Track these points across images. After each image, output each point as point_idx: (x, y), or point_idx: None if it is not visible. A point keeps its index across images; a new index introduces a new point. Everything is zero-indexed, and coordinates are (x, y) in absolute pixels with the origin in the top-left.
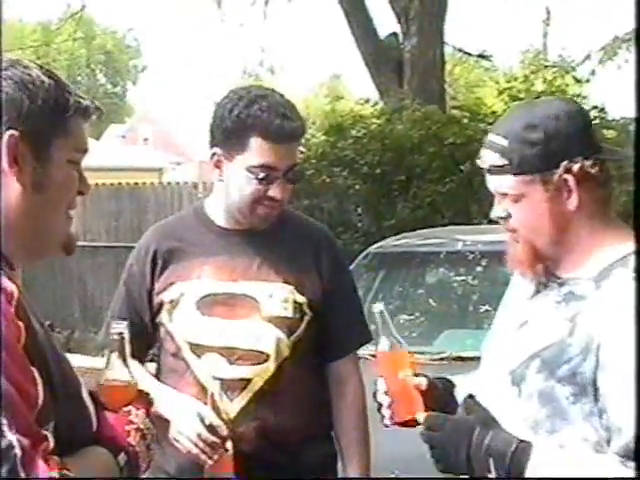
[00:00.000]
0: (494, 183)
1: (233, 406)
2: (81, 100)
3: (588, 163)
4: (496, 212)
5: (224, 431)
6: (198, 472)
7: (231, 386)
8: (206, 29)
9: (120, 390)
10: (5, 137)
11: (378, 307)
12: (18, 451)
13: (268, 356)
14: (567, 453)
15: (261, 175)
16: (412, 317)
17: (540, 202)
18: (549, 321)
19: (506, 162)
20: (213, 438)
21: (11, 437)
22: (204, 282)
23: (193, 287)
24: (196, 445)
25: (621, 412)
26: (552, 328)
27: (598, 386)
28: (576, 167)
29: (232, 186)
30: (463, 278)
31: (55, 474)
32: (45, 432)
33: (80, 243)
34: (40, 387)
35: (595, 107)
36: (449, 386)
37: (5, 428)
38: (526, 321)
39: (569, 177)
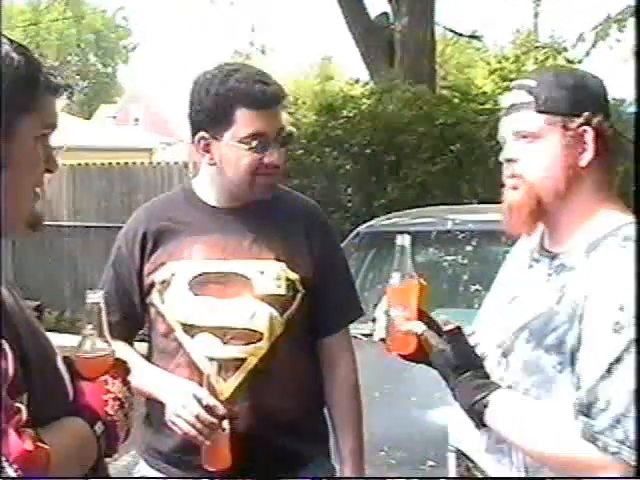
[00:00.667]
0: (512, 122)
1: (227, 386)
2: (51, 78)
3: (606, 124)
4: (506, 153)
5: (221, 411)
6: (193, 451)
7: (225, 366)
8: (196, 8)
9: (96, 360)
10: None
11: (402, 240)
12: None
13: (262, 334)
14: (521, 400)
15: (253, 144)
16: None
17: (555, 147)
18: (539, 293)
19: (532, 99)
20: (211, 419)
21: None
22: (195, 261)
23: (184, 267)
24: (194, 426)
25: (585, 367)
26: (541, 299)
27: (575, 349)
28: (595, 120)
29: (227, 164)
30: (453, 258)
31: (28, 446)
32: (18, 404)
33: (70, 223)
34: (10, 359)
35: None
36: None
37: None
38: (517, 295)
39: (588, 129)
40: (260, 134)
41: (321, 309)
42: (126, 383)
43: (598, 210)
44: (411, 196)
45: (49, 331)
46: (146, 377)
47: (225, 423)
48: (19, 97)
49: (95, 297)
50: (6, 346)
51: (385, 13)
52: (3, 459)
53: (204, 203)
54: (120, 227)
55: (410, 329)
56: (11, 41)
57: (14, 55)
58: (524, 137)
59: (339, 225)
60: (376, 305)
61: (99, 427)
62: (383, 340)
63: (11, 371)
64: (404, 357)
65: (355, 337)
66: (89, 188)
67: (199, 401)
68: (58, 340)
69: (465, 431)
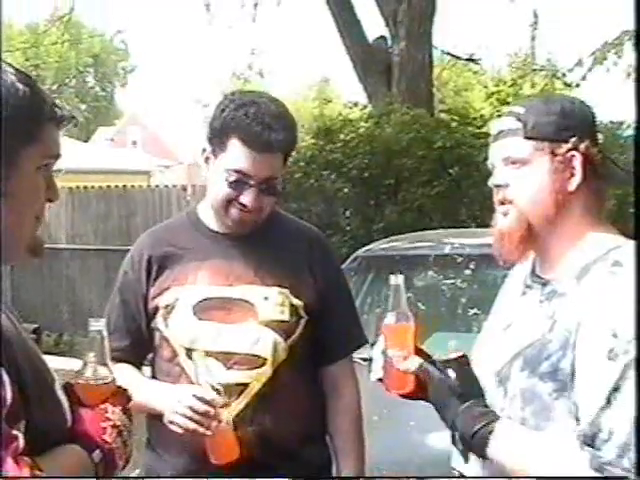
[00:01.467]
0: (501, 148)
1: (230, 411)
2: (56, 109)
3: (594, 149)
4: (495, 179)
5: (216, 400)
6: (194, 475)
7: (228, 391)
8: (195, 32)
9: (98, 388)
10: None
11: (395, 279)
12: None
13: (265, 360)
14: (525, 432)
15: (232, 178)
16: None
17: (544, 172)
18: (532, 320)
19: (520, 125)
20: (206, 407)
21: None
22: (200, 287)
23: (188, 292)
24: (191, 419)
25: (583, 397)
26: (534, 326)
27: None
28: (583, 146)
29: (211, 185)
30: (452, 281)
31: (26, 473)
32: (15, 432)
33: (69, 246)
34: (8, 387)
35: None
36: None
37: None
38: (511, 323)
39: (576, 154)
40: (243, 173)
41: (325, 336)
42: (126, 411)
43: (587, 234)
44: (409, 219)
45: (47, 354)
46: (147, 392)
47: (224, 415)
48: (22, 127)
49: (98, 325)
50: (4, 374)
51: (383, 36)
52: None
53: (208, 228)
54: (118, 250)
55: (408, 367)
56: (17, 70)
57: (19, 85)
58: (513, 163)
59: (337, 249)
60: (374, 341)
61: (97, 455)
62: (380, 380)
63: (9, 399)
64: (403, 395)
65: (355, 362)
66: (87, 211)
67: (194, 395)
68: (56, 363)
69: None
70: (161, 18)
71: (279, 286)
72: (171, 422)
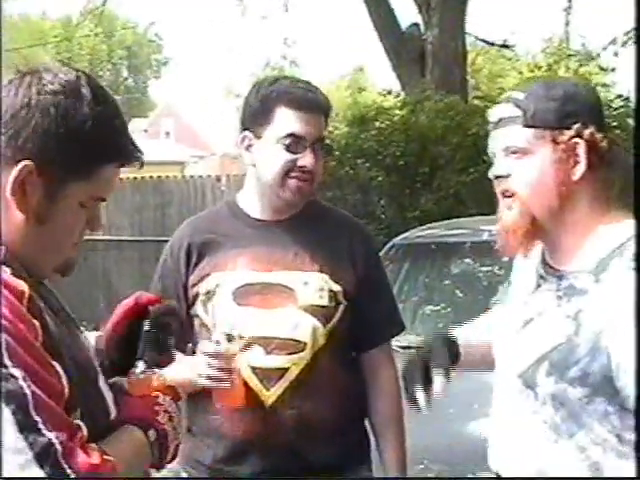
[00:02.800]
0: (500, 137)
1: (269, 395)
2: (123, 146)
3: (599, 135)
4: (495, 170)
5: (230, 349)
6: (235, 462)
7: (267, 375)
8: (228, 22)
9: (147, 381)
10: (19, 166)
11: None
12: (58, 447)
13: (304, 345)
14: None
15: (288, 142)
16: (438, 308)
17: (546, 162)
18: (552, 318)
19: (519, 113)
20: (219, 361)
21: (49, 435)
22: (239, 272)
23: (228, 278)
24: (212, 365)
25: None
26: (556, 326)
27: (619, 387)
28: (587, 132)
29: (263, 163)
30: (489, 268)
31: (96, 460)
32: (77, 422)
33: (104, 237)
34: (64, 379)
35: (620, 96)
36: None
37: (42, 426)
38: (529, 319)
39: (580, 141)
40: (296, 135)
41: (363, 323)
42: (176, 402)
43: (597, 226)
44: (445, 207)
45: None
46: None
47: (237, 361)
48: (77, 162)
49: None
50: (58, 367)
51: (416, 24)
52: (73, 476)
53: (248, 216)
54: (153, 241)
55: None
56: (91, 87)
57: (87, 112)
58: (514, 153)
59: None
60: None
61: (152, 434)
62: None
63: (66, 389)
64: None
65: (393, 349)
66: (122, 202)
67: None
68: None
69: (505, 454)
70: (194, 9)
71: (319, 271)
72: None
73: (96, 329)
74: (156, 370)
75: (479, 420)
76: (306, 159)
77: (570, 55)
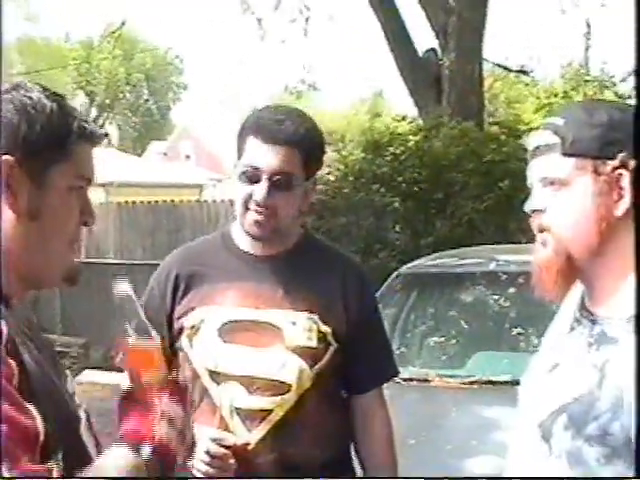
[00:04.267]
0: (537, 167)
1: (252, 436)
2: (85, 125)
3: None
4: (531, 203)
5: (229, 440)
6: None
7: (250, 416)
8: (247, 47)
9: (143, 353)
10: None
11: (121, 287)
12: None
13: (289, 386)
14: None
15: (245, 173)
16: (443, 339)
17: (586, 195)
18: (579, 367)
19: (557, 141)
20: (222, 450)
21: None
22: (226, 308)
23: (215, 313)
24: (210, 464)
25: None
26: (581, 376)
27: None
28: (633, 163)
29: (234, 195)
30: (496, 299)
31: None
32: (49, 464)
33: (117, 261)
34: (39, 421)
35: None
36: None
37: (5, 471)
38: (556, 364)
39: (624, 172)
40: (254, 167)
41: (356, 367)
42: (181, 400)
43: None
44: (459, 234)
45: (95, 368)
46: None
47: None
48: (50, 145)
49: (122, 286)
50: (32, 408)
51: (433, 49)
52: None
53: (239, 249)
54: None
55: None
56: (44, 88)
57: (46, 102)
58: (551, 184)
59: (386, 263)
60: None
61: (145, 451)
62: None
63: (41, 432)
64: None
65: (394, 381)
66: (135, 226)
67: (210, 439)
68: (104, 378)
69: None
70: (214, 33)
71: (308, 311)
72: (191, 466)
73: (108, 351)
74: (153, 333)
75: (476, 457)
76: (258, 193)
77: (588, 81)
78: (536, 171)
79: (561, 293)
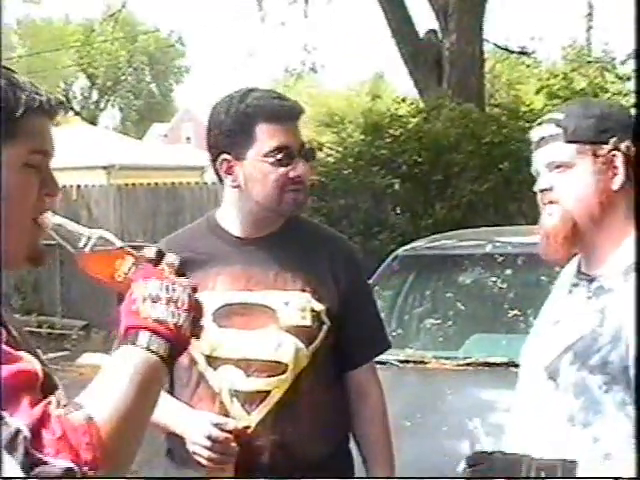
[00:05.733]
0: (543, 154)
1: (251, 419)
2: (35, 96)
3: (634, 148)
4: (540, 184)
5: (229, 425)
6: None
7: (248, 399)
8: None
9: (101, 257)
10: None
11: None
12: (27, 433)
13: (286, 366)
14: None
15: (278, 157)
16: (440, 321)
17: (587, 174)
18: (580, 315)
19: (560, 131)
20: (223, 434)
21: (15, 423)
22: (219, 293)
23: (207, 298)
24: (211, 449)
25: None
26: (583, 321)
27: (630, 377)
28: (624, 145)
29: (253, 183)
30: (494, 281)
31: (59, 432)
32: (51, 399)
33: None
34: (36, 363)
35: (637, 104)
36: None
37: (5, 416)
38: (559, 319)
39: (617, 154)
40: (284, 147)
41: (348, 342)
42: (180, 273)
43: (631, 232)
44: (458, 216)
45: (96, 351)
46: (165, 411)
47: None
48: None
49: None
50: (26, 355)
51: (433, 30)
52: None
53: (227, 233)
54: None
55: None
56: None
57: None
58: (557, 167)
59: (385, 245)
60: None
61: (143, 338)
62: None
63: (39, 372)
64: None
65: (390, 363)
66: (136, 208)
67: (211, 423)
68: (105, 360)
69: (522, 444)
70: (215, 15)
71: (300, 290)
72: (194, 453)
73: (109, 333)
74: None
75: (473, 439)
76: (298, 169)
77: (590, 62)
78: (542, 158)
79: (565, 257)
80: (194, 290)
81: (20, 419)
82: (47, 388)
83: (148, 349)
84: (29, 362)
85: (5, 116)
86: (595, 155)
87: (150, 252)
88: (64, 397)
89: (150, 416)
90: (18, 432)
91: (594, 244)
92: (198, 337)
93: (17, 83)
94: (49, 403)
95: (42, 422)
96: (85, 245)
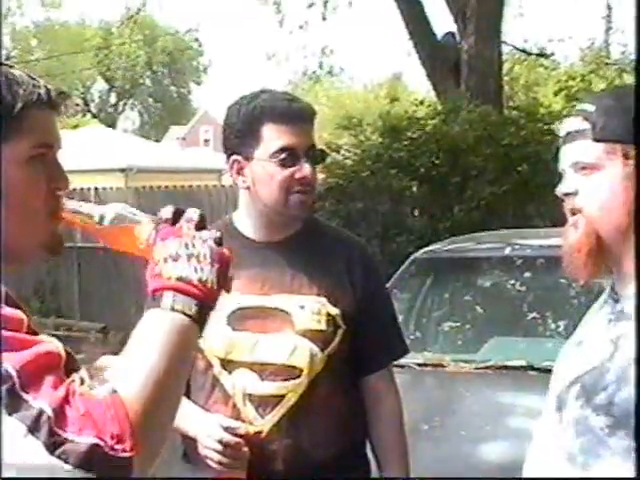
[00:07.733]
0: (569, 152)
1: (265, 422)
2: (34, 90)
3: None
4: (563, 187)
5: (241, 429)
6: None
7: (263, 402)
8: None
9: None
10: None
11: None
12: (50, 414)
13: (301, 370)
14: None
15: (281, 157)
16: (458, 324)
17: (616, 178)
18: (598, 341)
19: (588, 127)
20: (234, 439)
21: (38, 404)
22: (234, 296)
23: (223, 301)
24: (223, 454)
25: None
26: (598, 349)
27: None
28: None
29: (259, 184)
30: (512, 284)
31: (82, 409)
32: (74, 376)
33: None
34: (56, 342)
35: (638, 105)
36: None
37: (29, 399)
38: (580, 341)
39: None
40: (289, 148)
41: (364, 347)
42: (199, 228)
43: None
44: (476, 218)
45: (114, 353)
46: (180, 414)
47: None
48: None
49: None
50: (47, 337)
51: (452, 33)
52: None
53: (244, 236)
54: None
55: None
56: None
57: None
58: (582, 168)
59: (403, 248)
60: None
61: (168, 300)
62: None
63: (62, 352)
64: None
65: (408, 366)
66: (154, 211)
67: (222, 427)
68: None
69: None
70: (233, 17)
71: (316, 294)
72: (205, 456)
73: (126, 335)
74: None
75: (490, 443)
76: (304, 170)
77: (608, 64)
78: (568, 156)
79: (590, 275)
80: (217, 242)
81: (43, 400)
82: (70, 367)
83: (173, 309)
84: (49, 342)
85: (4, 112)
86: (626, 157)
87: (166, 212)
88: (87, 375)
89: (183, 380)
90: (41, 413)
91: (621, 259)
92: (228, 290)
93: (14, 78)
94: (73, 381)
95: (66, 400)
96: (102, 220)
